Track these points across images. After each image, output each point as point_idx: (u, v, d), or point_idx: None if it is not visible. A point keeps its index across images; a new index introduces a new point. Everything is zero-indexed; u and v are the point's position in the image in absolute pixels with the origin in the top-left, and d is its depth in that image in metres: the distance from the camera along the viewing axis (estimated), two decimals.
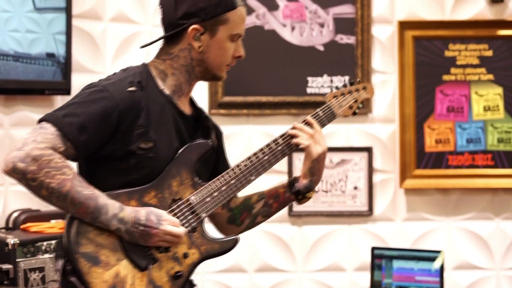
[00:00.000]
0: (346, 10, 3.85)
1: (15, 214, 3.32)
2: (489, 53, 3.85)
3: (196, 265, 2.03)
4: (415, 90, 3.83)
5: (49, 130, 1.85)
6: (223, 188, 2.06)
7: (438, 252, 3.63)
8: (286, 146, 2.15)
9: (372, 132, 3.86)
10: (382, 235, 3.87)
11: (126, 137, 1.93)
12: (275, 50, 3.84)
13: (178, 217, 1.99)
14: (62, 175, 1.83)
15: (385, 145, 3.87)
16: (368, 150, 3.85)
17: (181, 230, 1.95)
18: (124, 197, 1.93)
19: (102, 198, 1.87)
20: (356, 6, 3.82)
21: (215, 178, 2.07)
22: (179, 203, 2.01)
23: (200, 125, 2.15)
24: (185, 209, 2.01)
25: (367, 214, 3.85)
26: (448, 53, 3.86)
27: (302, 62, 3.85)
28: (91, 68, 3.63)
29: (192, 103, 2.17)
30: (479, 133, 3.84)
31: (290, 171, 3.81)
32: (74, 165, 1.96)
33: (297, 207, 3.80)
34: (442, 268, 3.61)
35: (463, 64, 3.84)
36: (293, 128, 2.17)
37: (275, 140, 2.14)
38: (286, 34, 3.85)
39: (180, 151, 2.02)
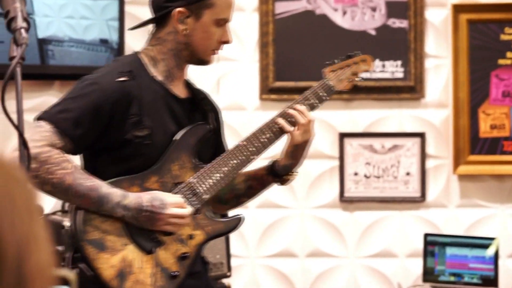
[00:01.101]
0: None
1: None
2: None
3: (202, 245, 2.07)
4: (469, 74, 3.77)
5: (46, 127, 1.91)
6: (224, 168, 2.08)
7: (493, 239, 3.58)
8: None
9: (425, 117, 3.82)
10: (435, 221, 3.82)
11: (121, 127, 1.97)
12: (326, 35, 3.81)
13: None
14: (62, 170, 1.88)
15: (439, 130, 3.82)
16: (421, 135, 3.80)
17: (186, 210, 1.97)
18: (125, 183, 1.97)
19: (105, 188, 1.91)
20: None
21: (215, 159, 2.08)
22: (180, 186, 2.04)
23: (197, 108, 2.16)
24: (187, 192, 2.04)
25: (420, 200, 3.81)
26: (503, 37, 3.78)
27: (353, 46, 3.78)
28: None
29: (188, 86, 2.18)
30: None
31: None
32: (76, 158, 2.01)
33: (348, 193, 3.78)
34: (496, 255, 3.55)
35: None
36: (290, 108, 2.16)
37: (273, 119, 2.15)
38: (338, 19, 3.82)
39: (179, 135, 2.05)
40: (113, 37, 3.46)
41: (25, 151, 1.53)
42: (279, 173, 2.18)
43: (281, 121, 2.13)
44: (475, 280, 3.55)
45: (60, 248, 3.00)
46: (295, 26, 3.79)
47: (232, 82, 3.79)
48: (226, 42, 2.09)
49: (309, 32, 3.79)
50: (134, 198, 1.93)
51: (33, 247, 0.82)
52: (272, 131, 2.13)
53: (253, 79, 3.78)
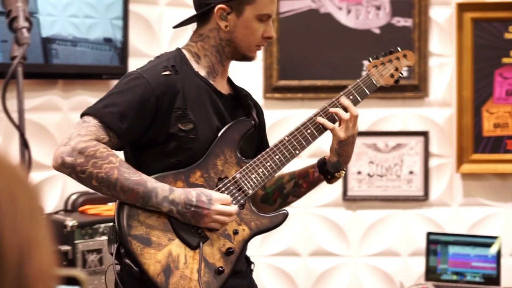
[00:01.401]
0: None
1: (74, 197, 3.39)
2: None
3: (247, 241, 2.05)
4: (473, 73, 3.76)
5: (92, 122, 1.90)
6: (268, 164, 2.07)
7: (495, 238, 3.58)
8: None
9: (429, 116, 3.81)
10: (438, 220, 3.82)
11: (166, 121, 1.96)
12: (331, 34, 3.81)
13: None
14: (109, 164, 1.86)
15: (442, 129, 3.81)
16: (425, 134, 3.80)
17: (232, 208, 1.97)
18: (170, 178, 1.96)
19: (151, 182, 1.90)
20: None
21: (259, 155, 2.08)
22: (225, 182, 2.03)
23: (240, 104, 2.16)
24: (232, 187, 2.03)
25: (423, 199, 3.81)
26: (508, 35, 3.77)
27: (357, 45, 3.81)
28: (147, 53, 3.66)
29: (230, 82, 2.18)
30: None
31: None
32: (120, 154, 2.00)
33: (352, 191, 3.79)
34: (499, 254, 3.56)
35: None
36: (334, 104, 2.15)
37: (317, 113, 2.14)
38: (342, 17, 3.82)
39: (222, 130, 2.04)
40: (117, 36, 3.46)
41: (26, 151, 1.53)
42: (329, 171, 2.16)
43: (321, 120, 2.11)
44: (477, 279, 3.55)
45: (62, 247, 3.02)
46: (300, 24, 3.79)
47: (236, 80, 3.78)
48: (270, 37, 2.06)
49: (314, 31, 3.79)
50: (181, 193, 1.92)
51: (34, 249, 0.83)
52: (314, 127, 2.12)
53: (257, 77, 3.78)
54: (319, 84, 3.80)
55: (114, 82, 3.56)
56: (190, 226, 1.96)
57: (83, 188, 3.43)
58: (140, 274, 1.90)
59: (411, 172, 3.83)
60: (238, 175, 2.04)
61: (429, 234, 3.61)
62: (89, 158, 1.85)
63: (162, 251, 1.92)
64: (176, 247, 1.94)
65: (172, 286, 1.91)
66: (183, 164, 1.99)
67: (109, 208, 3.27)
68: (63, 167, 1.87)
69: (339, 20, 3.82)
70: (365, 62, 2.27)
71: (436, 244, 3.59)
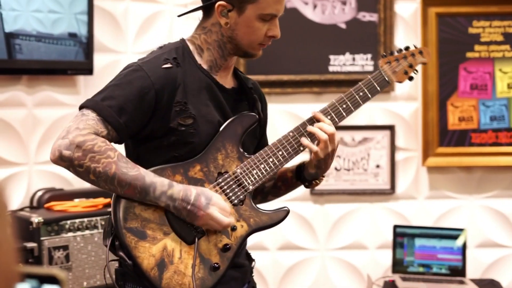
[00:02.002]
0: None
1: (39, 193, 3.36)
2: None
3: (245, 238, 2.01)
4: (438, 67, 3.80)
5: (90, 115, 1.87)
6: (271, 160, 2.03)
7: (461, 230, 3.62)
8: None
9: (395, 110, 3.84)
10: (404, 213, 3.86)
11: (166, 115, 1.93)
12: (297, 28, 3.82)
13: (224, 190, 1.98)
14: (107, 158, 1.83)
15: (408, 123, 3.85)
16: (391, 128, 3.83)
17: (226, 219, 1.92)
18: (169, 171, 1.93)
19: (149, 177, 1.87)
20: None
21: (262, 150, 2.04)
22: (225, 176, 1.99)
23: (244, 98, 2.11)
24: (232, 182, 2.00)
25: (389, 192, 3.84)
26: (472, 30, 3.81)
27: (324, 40, 3.83)
28: (113, 48, 3.64)
29: (236, 74, 2.13)
30: (502, 110, 3.81)
31: None
32: (119, 147, 1.97)
33: (319, 185, 3.79)
34: (464, 246, 3.60)
35: (487, 41, 3.80)
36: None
37: (324, 109, 2.09)
38: (308, 12, 3.83)
39: (225, 123, 2.01)
40: (82, 31, 3.43)
41: None
42: (306, 179, 2.15)
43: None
44: (443, 271, 3.59)
45: (28, 244, 2.99)
46: None
47: None
48: (273, 36, 2.00)
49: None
50: (180, 189, 1.89)
51: None
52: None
53: None
54: (286, 79, 3.81)
55: (80, 78, 3.54)
56: (187, 221, 1.93)
57: (48, 184, 3.42)
58: (134, 268, 1.87)
59: (377, 166, 3.85)
60: (239, 170, 2.00)
61: (395, 227, 3.64)
62: (87, 152, 1.82)
63: (157, 245, 1.89)
64: (172, 241, 1.91)
65: (166, 281, 1.88)
66: (183, 158, 1.96)
67: (76, 204, 3.24)
68: (60, 160, 1.83)
69: (305, 15, 3.83)
70: (379, 61, 2.21)
71: (402, 236, 3.62)
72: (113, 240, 1.90)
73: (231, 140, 2.01)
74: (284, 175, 2.20)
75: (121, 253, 1.88)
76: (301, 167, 2.16)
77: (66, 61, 3.39)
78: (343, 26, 3.83)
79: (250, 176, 2.01)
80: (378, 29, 3.81)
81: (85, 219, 3.13)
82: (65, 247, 3.05)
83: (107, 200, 3.32)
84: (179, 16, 2.16)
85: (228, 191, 1.99)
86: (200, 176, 1.97)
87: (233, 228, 1.99)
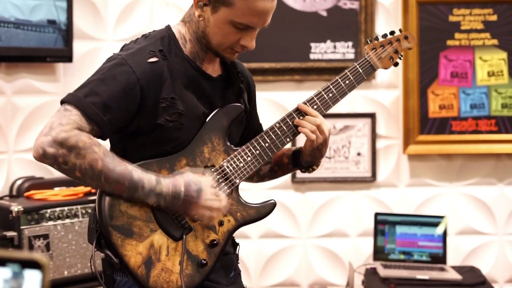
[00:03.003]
0: None
1: (19, 182, 3.33)
2: (494, 17, 3.82)
3: (232, 232, 1.99)
4: (418, 55, 3.81)
5: (73, 111, 1.80)
6: (257, 152, 2.00)
7: (441, 217, 3.64)
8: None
9: (376, 98, 3.85)
10: (385, 201, 3.87)
11: (152, 112, 1.88)
12: (278, 16, 3.77)
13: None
14: (92, 154, 1.78)
15: (389, 111, 3.85)
16: (372, 116, 3.84)
17: (218, 204, 1.89)
18: (154, 166, 1.89)
19: (136, 173, 1.82)
20: None
21: (248, 143, 2.01)
22: (211, 170, 1.96)
23: (231, 84, 2.07)
24: (218, 176, 1.96)
25: (371, 180, 3.85)
26: (452, 18, 3.82)
27: (305, 28, 3.82)
28: (92, 35, 3.61)
29: (223, 62, 2.07)
30: (483, 98, 3.83)
31: None
32: (105, 141, 1.92)
33: (300, 174, 3.80)
34: (445, 233, 3.62)
35: (467, 29, 3.82)
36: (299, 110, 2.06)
37: (310, 99, 2.06)
38: (289, 0, 3.81)
39: (210, 115, 1.97)
40: (61, 18, 3.39)
41: None
42: (303, 166, 2.13)
43: (301, 129, 2.03)
44: (424, 258, 3.61)
45: (8, 233, 2.96)
46: None
47: None
48: (245, 46, 1.92)
49: None
50: (168, 184, 1.84)
51: None
52: (303, 116, 2.04)
53: None
54: (267, 66, 3.79)
55: (59, 65, 3.51)
56: (174, 217, 1.90)
57: (28, 173, 3.39)
58: (120, 266, 1.84)
59: (358, 154, 3.86)
60: (225, 164, 1.97)
61: (376, 214, 3.65)
62: (71, 149, 1.76)
63: (143, 243, 1.86)
64: (159, 238, 1.88)
65: (153, 279, 1.86)
66: (169, 153, 1.92)
67: (56, 193, 3.22)
68: (44, 158, 1.77)
69: (286, 3, 3.81)
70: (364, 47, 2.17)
71: (383, 224, 3.63)
72: (98, 238, 1.87)
73: (217, 133, 1.97)
74: (280, 160, 2.18)
75: (107, 251, 1.85)
76: (297, 153, 2.14)
77: (45, 48, 3.36)
78: (324, 13, 3.83)
79: (237, 170, 1.98)
80: (359, 17, 3.80)
81: (66, 208, 3.11)
82: (46, 236, 3.03)
83: (88, 188, 3.30)
84: None
85: (215, 185, 1.94)
86: (186, 170, 1.92)
87: (221, 223, 1.96)
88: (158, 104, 1.88)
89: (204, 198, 1.87)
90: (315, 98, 2.07)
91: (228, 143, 2.00)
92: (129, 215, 1.85)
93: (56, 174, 3.47)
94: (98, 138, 1.85)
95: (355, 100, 3.85)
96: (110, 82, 1.83)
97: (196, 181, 1.87)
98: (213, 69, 2.02)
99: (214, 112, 1.98)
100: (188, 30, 1.97)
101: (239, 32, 1.89)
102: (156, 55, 1.90)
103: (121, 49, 1.96)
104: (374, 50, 2.16)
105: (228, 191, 1.97)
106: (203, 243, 1.94)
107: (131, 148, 1.93)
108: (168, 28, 1.99)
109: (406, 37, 2.21)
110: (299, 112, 2.05)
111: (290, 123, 2.04)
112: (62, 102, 1.85)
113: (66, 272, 3.09)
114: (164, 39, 1.95)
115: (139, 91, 1.85)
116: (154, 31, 2.00)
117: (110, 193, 1.84)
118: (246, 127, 2.17)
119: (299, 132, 2.04)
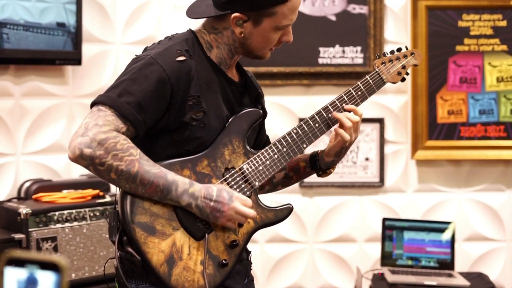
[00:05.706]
0: None
1: (27, 184, 3.33)
2: (503, 23, 3.81)
3: (251, 234, 2.01)
4: (427, 60, 3.80)
5: (108, 112, 1.81)
6: (276, 156, 2.03)
7: (449, 223, 3.63)
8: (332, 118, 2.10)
9: (384, 103, 3.84)
10: (393, 206, 3.86)
11: (180, 109, 1.89)
12: None
13: (231, 186, 1.97)
14: (130, 156, 1.80)
15: (397, 116, 3.85)
16: (380, 121, 3.83)
17: (251, 211, 1.92)
18: (177, 166, 1.91)
19: (170, 175, 1.84)
20: None
21: (267, 147, 2.04)
22: (232, 172, 1.98)
23: (248, 91, 2.10)
24: (238, 178, 1.99)
25: (378, 185, 3.84)
26: (461, 23, 3.81)
27: (313, 32, 3.82)
28: (101, 38, 3.61)
29: (240, 70, 2.12)
30: (491, 104, 3.81)
31: None
32: None
33: (308, 178, 3.79)
34: (453, 239, 3.61)
35: (477, 35, 3.81)
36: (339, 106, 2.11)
37: (325, 107, 2.09)
38: None
39: (231, 118, 2.00)
40: (71, 20, 3.40)
41: None
42: (321, 168, 2.16)
43: (339, 131, 2.07)
44: (432, 264, 3.60)
45: (16, 236, 2.96)
46: None
47: None
48: (287, 42, 2.02)
49: None
50: (201, 187, 1.87)
51: None
52: (322, 121, 2.07)
53: None
54: (275, 70, 3.79)
55: (68, 68, 3.51)
56: (196, 216, 1.90)
57: (36, 175, 3.39)
58: (143, 264, 1.84)
59: (367, 159, 3.85)
60: (245, 166, 2.00)
61: (384, 220, 3.64)
62: (109, 150, 1.77)
63: (166, 241, 1.86)
64: (181, 237, 1.89)
65: (175, 277, 1.86)
66: (192, 153, 1.94)
67: (64, 196, 3.22)
68: (81, 158, 1.77)
69: None
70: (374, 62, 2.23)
71: (391, 229, 3.62)
72: (120, 235, 1.86)
73: (238, 136, 2.00)
74: (296, 165, 2.20)
75: (129, 249, 1.84)
76: (315, 156, 2.17)
77: (54, 50, 3.36)
78: (333, 18, 3.82)
79: (257, 173, 2.01)
80: (368, 22, 3.80)
81: (74, 211, 3.11)
82: (53, 239, 3.03)
83: (96, 191, 3.30)
84: (189, 16, 2.09)
85: (235, 187, 1.97)
86: (207, 171, 1.95)
87: (240, 225, 1.97)
88: (186, 102, 1.90)
89: (236, 203, 1.89)
90: (330, 107, 2.10)
91: (248, 147, 2.02)
92: (152, 213, 1.86)
93: (64, 176, 3.48)
94: (133, 137, 1.86)
95: (363, 105, 3.81)
96: (142, 81, 1.85)
97: (229, 190, 1.91)
98: (232, 75, 2.05)
99: (235, 115, 2.01)
100: (216, 39, 1.99)
101: (280, 31, 1.97)
102: (183, 54, 1.92)
103: (145, 50, 1.98)
104: (384, 64, 2.21)
105: (248, 193, 2.00)
106: (223, 243, 1.95)
107: (155, 147, 1.94)
108: (191, 31, 2.01)
109: (412, 54, 2.26)
110: (317, 118, 2.07)
111: (307, 130, 2.06)
112: (94, 103, 1.85)
113: (73, 275, 3.09)
114: (188, 41, 1.97)
115: (170, 89, 1.87)
116: (177, 33, 2.03)
117: (140, 196, 1.84)
118: (258, 134, 2.19)
119: (316, 137, 2.07)
